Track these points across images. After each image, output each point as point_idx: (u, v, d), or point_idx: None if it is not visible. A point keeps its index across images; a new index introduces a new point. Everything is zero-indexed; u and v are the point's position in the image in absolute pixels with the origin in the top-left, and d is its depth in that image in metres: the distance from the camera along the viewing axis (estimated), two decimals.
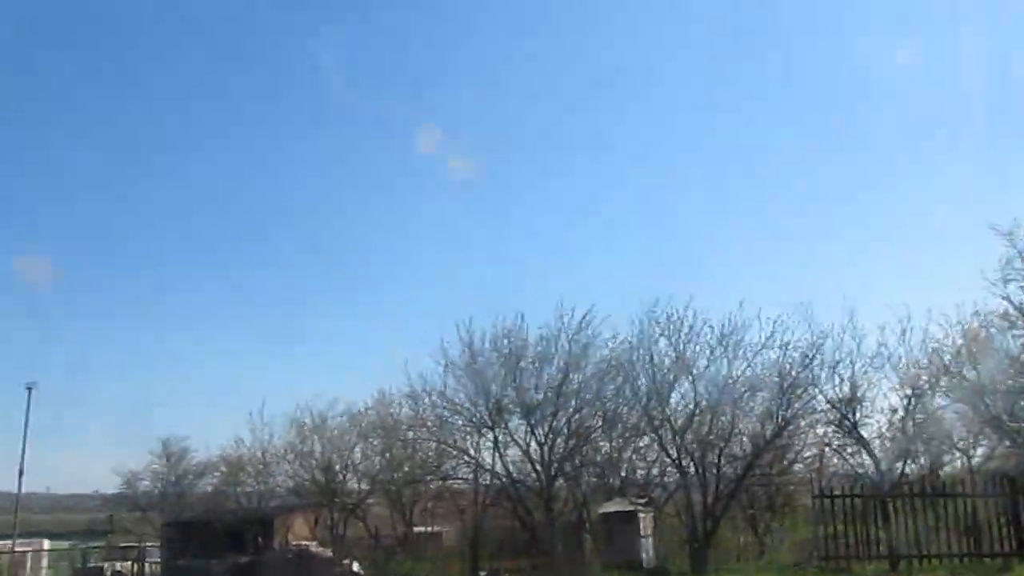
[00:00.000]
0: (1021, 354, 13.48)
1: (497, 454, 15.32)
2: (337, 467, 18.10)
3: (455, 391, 15.44)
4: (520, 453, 15.60)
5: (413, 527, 18.13)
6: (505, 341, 15.26)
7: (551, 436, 15.22)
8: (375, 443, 18.29)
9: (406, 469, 17.05)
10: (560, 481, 15.76)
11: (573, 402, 15.19)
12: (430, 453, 16.77)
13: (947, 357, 14.00)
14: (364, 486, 18.33)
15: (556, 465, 15.28)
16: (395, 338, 41.82)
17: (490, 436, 15.38)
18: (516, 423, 15.60)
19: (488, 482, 15.71)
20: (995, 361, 13.81)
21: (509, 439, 15.47)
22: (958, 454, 15.67)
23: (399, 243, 49.85)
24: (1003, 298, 12.72)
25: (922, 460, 15.37)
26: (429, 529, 18.02)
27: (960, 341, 13.80)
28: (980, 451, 15.21)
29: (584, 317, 15.19)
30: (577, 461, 15.68)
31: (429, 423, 15.88)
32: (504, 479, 15.28)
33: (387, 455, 17.67)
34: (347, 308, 49.80)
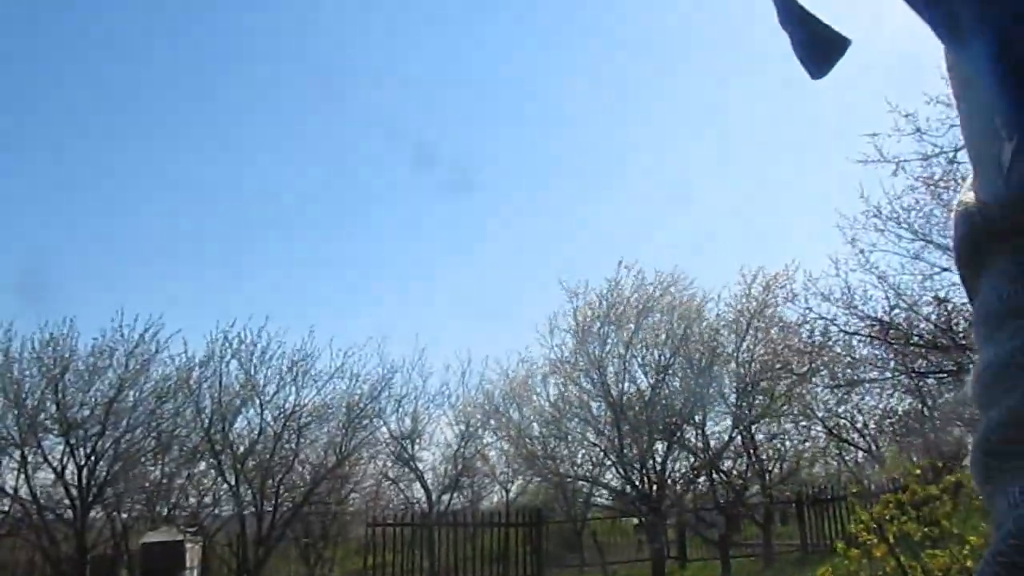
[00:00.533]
0: (556, 399, 23.56)
1: (23, 476, 19.96)
2: None
3: None
4: (53, 476, 20.51)
5: None
6: (50, 349, 19.97)
7: (93, 458, 20.51)
8: None
9: None
10: (98, 509, 21.15)
11: (125, 421, 20.73)
12: None
13: (497, 398, 23.58)
14: None
15: (96, 490, 20.62)
16: None
17: (16, 456, 19.91)
18: (52, 442, 20.50)
19: (7, 509, 20.26)
20: (535, 405, 23.81)
21: (41, 460, 20.26)
22: (498, 487, 25.98)
23: None
24: (548, 349, 22.24)
25: (467, 492, 25.20)
26: None
27: (509, 386, 23.43)
28: (516, 485, 25.62)
29: (147, 330, 20.87)
30: (121, 486, 21.28)
31: None
32: (29, 505, 20.05)
33: None
34: None
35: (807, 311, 17.35)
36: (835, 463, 22.92)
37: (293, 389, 22.02)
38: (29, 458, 20.19)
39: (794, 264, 18.00)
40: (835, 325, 17.48)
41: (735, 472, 20.99)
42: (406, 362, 23.08)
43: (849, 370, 18.09)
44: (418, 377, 23.62)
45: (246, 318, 22.27)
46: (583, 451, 19.50)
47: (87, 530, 20.86)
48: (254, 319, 22.14)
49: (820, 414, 20.19)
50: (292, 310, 51.39)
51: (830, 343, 17.63)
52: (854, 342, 17.38)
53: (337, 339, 26.11)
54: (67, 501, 20.84)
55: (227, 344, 21.55)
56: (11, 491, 20.30)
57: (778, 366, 18.01)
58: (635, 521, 24.82)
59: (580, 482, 21.40)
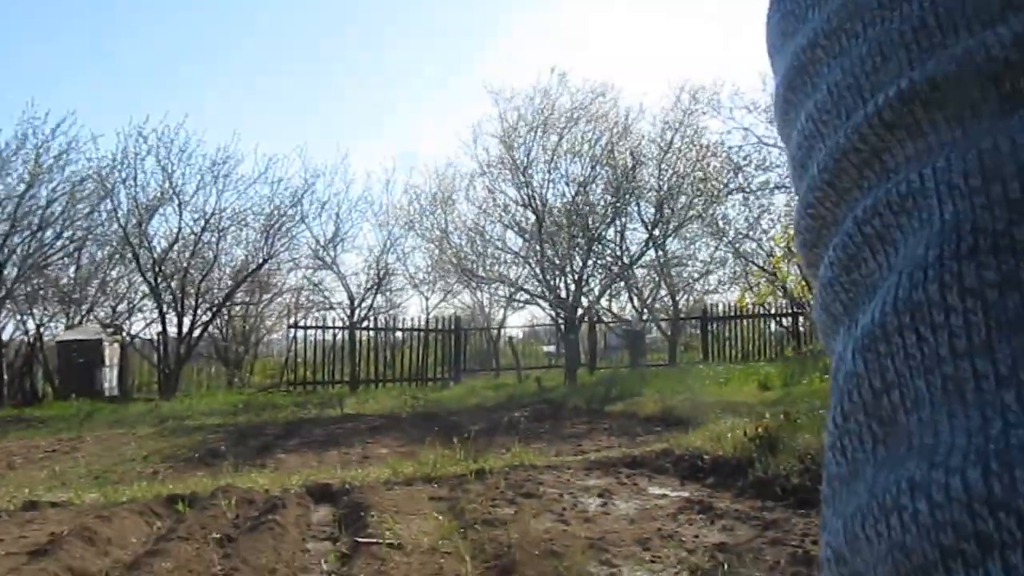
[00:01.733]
0: (482, 204, 23.50)
1: None
2: None
3: None
4: None
5: None
6: None
7: (4, 254, 19.99)
8: None
9: None
10: (11, 305, 20.85)
11: (37, 220, 20.11)
12: None
13: (423, 202, 23.61)
14: None
15: (8, 287, 20.25)
16: None
17: None
18: None
19: None
20: (458, 212, 23.93)
21: None
22: (419, 297, 26.50)
23: None
24: (472, 156, 22.25)
25: (387, 299, 25.71)
26: None
27: (435, 189, 23.42)
28: (436, 294, 26.20)
29: (59, 125, 19.94)
30: (36, 283, 20.93)
31: None
32: None
33: None
34: None
35: (729, 119, 17.80)
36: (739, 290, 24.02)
37: (214, 191, 21.64)
38: None
39: (721, 81, 18.23)
40: (754, 135, 18.01)
41: (647, 287, 21.93)
42: (329, 168, 22.82)
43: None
44: (341, 183, 23.39)
45: (162, 114, 21.35)
46: (506, 257, 19.93)
47: (1, 328, 20.66)
48: (171, 115, 21.32)
49: (730, 235, 21.00)
50: (217, 115, 50.68)
51: (748, 157, 18.23)
52: (772, 154, 18.00)
53: (262, 145, 25.71)
54: None
55: (142, 140, 20.84)
56: None
57: (698, 179, 18.48)
58: (546, 348, 25.94)
59: (498, 289, 22.00)
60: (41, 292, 21.72)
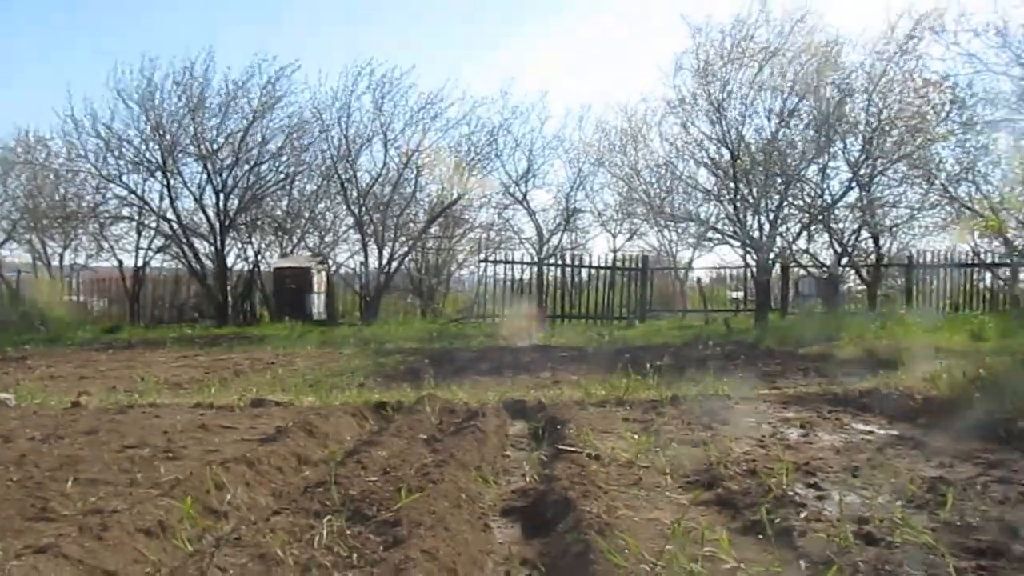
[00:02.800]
0: (676, 139, 22.88)
1: (169, 199, 21.40)
2: None
3: (126, 125, 20.75)
4: (193, 202, 21.93)
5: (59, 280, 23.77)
6: (189, 75, 20.63)
7: (228, 186, 21.70)
8: (16, 184, 22.84)
9: (57, 204, 22.20)
10: (234, 234, 22.66)
11: (256, 153, 21.64)
12: (88, 191, 22.13)
13: (613, 138, 23.32)
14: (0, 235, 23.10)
15: (231, 217, 21.99)
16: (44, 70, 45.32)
17: (160, 179, 21.24)
18: (191, 170, 21.72)
19: (156, 226, 21.94)
20: (650, 148, 23.48)
21: (182, 185, 21.59)
22: (606, 235, 26.36)
23: None
24: (673, 87, 21.41)
25: (576, 236, 25.76)
26: (75, 298, 23.66)
27: (625, 124, 23.03)
28: (624, 230, 25.93)
29: (283, 68, 21.27)
30: (255, 213, 22.60)
31: (91, 155, 21.03)
32: (175, 225, 21.63)
33: (32, 200, 22.50)
34: None
35: (953, 44, 16.21)
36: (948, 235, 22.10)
37: (419, 130, 22.36)
38: (172, 182, 21.46)
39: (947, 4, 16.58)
40: (980, 60, 16.34)
41: (847, 230, 20.64)
42: (527, 107, 22.97)
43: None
44: (536, 120, 23.61)
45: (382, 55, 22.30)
46: (697, 195, 19.37)
47: (226, 252, 22.52)
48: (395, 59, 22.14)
49: (942, 178, 19.28)
50: (428, 56, 52.74)
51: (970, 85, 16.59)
52: (1001, 83, 16.28)
53: (470, 85, 26.16)
54: (206, 225, 22.36)
55: (361, 79, 21.87)
56: (157, 211, 21.80)
57: (912, 114, 17.03)
58: (733, 294, 25.09)
59: (688, 228, 21.48)
60: (259, 222, 23.44)
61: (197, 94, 20.94)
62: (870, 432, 5.99)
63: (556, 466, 4.67)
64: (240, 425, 6.36)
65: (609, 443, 5.43)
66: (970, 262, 21.41)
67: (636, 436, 5.65)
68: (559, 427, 5.96)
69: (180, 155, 21.34)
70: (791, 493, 4.02)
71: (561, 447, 5.22)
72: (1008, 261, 20.72)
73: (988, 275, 21.79)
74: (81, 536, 3.13)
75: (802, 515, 3.61)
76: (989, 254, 21.35)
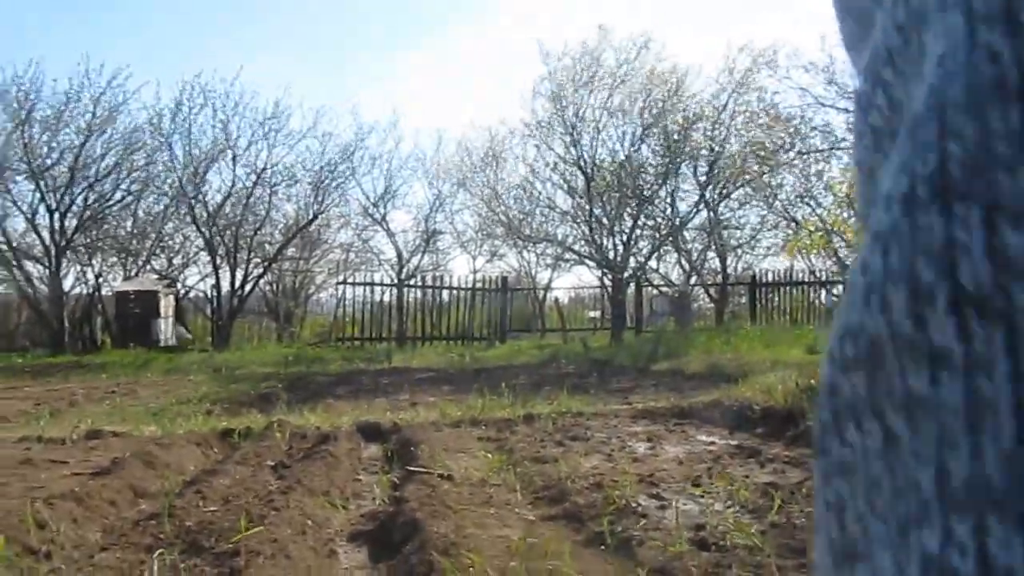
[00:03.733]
0: (533, 162, 23.28)
1: None
2: None
3: None
4: (25, 222, 20.57)
5: None
6: (15, 89, 19.36)
7: (64, 205, 20.47)
8: None
9: None
10: (72, 256, 21.38)
11: (94, 171, 20.53)
12: None
13: (474, 159, 23.58)
14: None
15: (69, 238, 20.75)
16: None
17: None
18: (22, 188, 20.36)
19: None
20: (508, 170, 23.86)
21: (12, 204, 20.20)
22: (467, 257, 26.57)
23: None
24: (531, 111, 21.80)
25: (435, 258, 25.84)
26: None
27: (487, 147, 23.34)
28: (484, 251, 26.24)
29: (115, 76, 20.24)
30: (95, 233, 21.42)
31: None
32: (3, 247, 20.19)
33: None
34: None
35: (785, 78, 17.40)
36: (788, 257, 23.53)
37: (265, 145, 21.87)
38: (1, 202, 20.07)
39: (781, 43, 17.82)
40: (810, 94, 17.60)
41: (695, 250, 21.69)
42: (379, 125, 22.94)
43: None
44: (392, 140, 23.63)
45: (212, 69, 21.61)
46: (554, 216, 19.84)
47: (63, 276, 21.21)
48: (226, 69, 21.60)
49: (782, 201, 20.55)
50: (265, 66, 51.66)
51: (804, 118, 17.86)
52: (830, 115, 17.59)
53: (309, 99, 26.14)
54: (40, 248, 21.01)
55: (198, 92, 21.12)
56: None
57: (753, 148, 18.14)
58: (591, 314, 25.84)
59: (546, 249, 21.94)
60: (100, 244, 22.22)
61: (25, 107, 19.68)
62: (712, 443, 6.27)
63: (407, 488, 4.64)
64: (72, 459, 5.98)
65: (463, 463, 5.45)
66: (807, 280, 22.89)
67: (489, 455, 5.70)
68: (412, 448, 5.93)
69: (8, 172, 19.97)
70: (634, 504, 4.16)
71: (412, 468, 5.19)
72: (840, 279, 22.27)
73: (823, 292, 23.37)
74: None
75: (642, 525, 3.74)
76: (824, 272, 22.88)
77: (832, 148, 17.48)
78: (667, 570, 3.03)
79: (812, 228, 18.17)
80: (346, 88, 56.03)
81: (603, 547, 3.50)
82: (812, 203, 19.89)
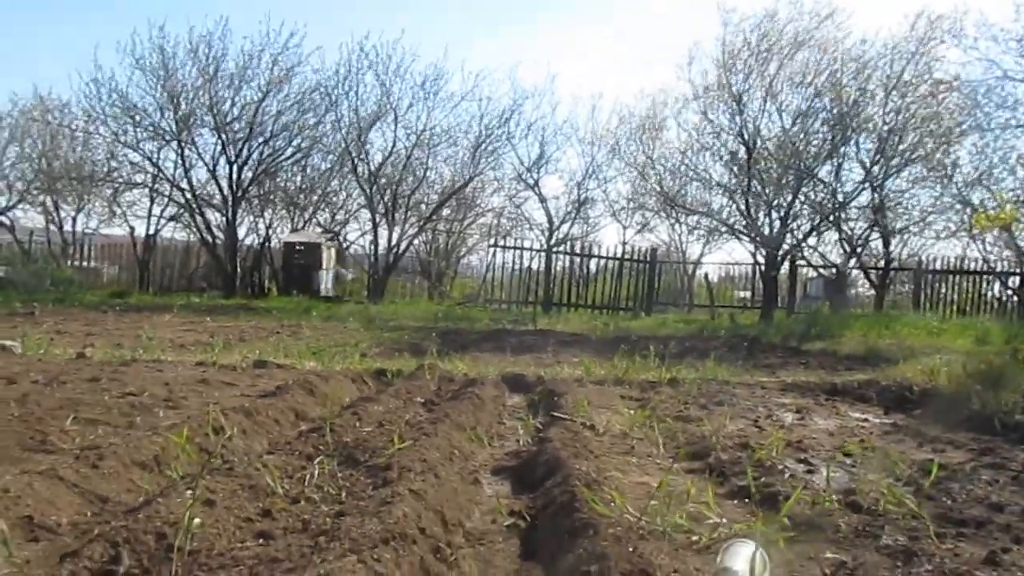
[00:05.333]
0: (694, 130, 22.78)
1: (183, 168, 21.49)
2: None
3: (142, 94, 20.82)
4: (207, 173, 22.02)
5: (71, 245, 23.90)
6: (203, 47, 20.67)
7: (241, 158, 21.76)
8: (32, 146, 22.96)
9: (72, 166, 22.30)
10: (246, 207, 22.76)
11: (270, 126, 21.70)
12: (102, 156, 22.24)
13: (631, 125, 23.30)
14: (14, 195, 23.23)
15: (244, 190, 22.08)
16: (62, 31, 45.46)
17: (175, 148, 21.33)
18: (205, 141, 21.79)
19: (169, 195, 22.04)
20: (665, 139, 23.46)
21: (196, 156, 21.67)
22: (617, 225, 26.38)
23: None
24: (691, 78, 21.36)
25: (585, 226, 25.79)
26: (86, 263, 23.80)
27: (643, 113, 22.99)
28: (635, 221, 25.96)
29: (291, 35, 21.25)
30: (267, 187, 22.68)
31: (109, 121, 21.09)
32: (187, 195, 21.73)
33: (46, 160, 22.62)
34: None
35: (971, 48, 16.15)
36: (960, 242, 21.92)
37: (425, 108, 22.42)
38: (186, 152, 21.55)
39: (964, 8, 16.55)
40: (999, 67, 16.26)
41: (858, 230, 20.57)
42: (536, 90, 23.02)
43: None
44: (548, 106, 23.82)
45: (379, 31, 22.35)
46: (711, 188, 19.31)
47: (237, 224, 22.62)
48: (388, 31, 22.24)
49: (956, 183, 19.14)
50: (424, 27, 52.87)
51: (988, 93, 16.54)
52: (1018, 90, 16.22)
53: (468, 63, 26.76)
54: (219, 196, 22.44)
55: (363, 56, 21.90)
56: (171, 179, 21.90)
57: (928, 116, 16.95)
58: (741, 294, 25.10)
59: (699, 222, 21.46)
60: (271, 196, 23.52)
61: (213, 64, 20.97)
62: (865, 420, 6.00)
63: (550, 431, 4.70)
64: (241, 383, 6.42)
65: (605, 416, 5.46)
66: (980, 270, 21.33)
67: (632, 412, 5.69)
68: (556, 399, 5.99)
69: (195, 125, 21.39)
70: (780, 466, 4.05)
71: (556, 415, 5.25)
72: (1018, 270, 20.64)
73: (997, 284, 21.72)
74: (77, 464, 3.18)
75: (789, 483, 3.63)
76: (999, 263, 21.29)
77: (1021, 126, 16.11)
78: (815, 524, 2.94)
79: (1005, 199, 16.79)
80: (506, 51, 56.51)
81: (747, 500, 3.44)
82: (992, 185, 18.45)
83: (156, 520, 2.56)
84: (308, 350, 9.61)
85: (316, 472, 3.31)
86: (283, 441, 4.22)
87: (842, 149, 17.93)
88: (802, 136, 17.65)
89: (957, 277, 21.40)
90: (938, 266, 21.48)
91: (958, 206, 19.39)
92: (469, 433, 4.58)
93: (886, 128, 17.55)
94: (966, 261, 21.66)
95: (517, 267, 22.56)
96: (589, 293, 23.31)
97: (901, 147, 17.65)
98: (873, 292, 22.35)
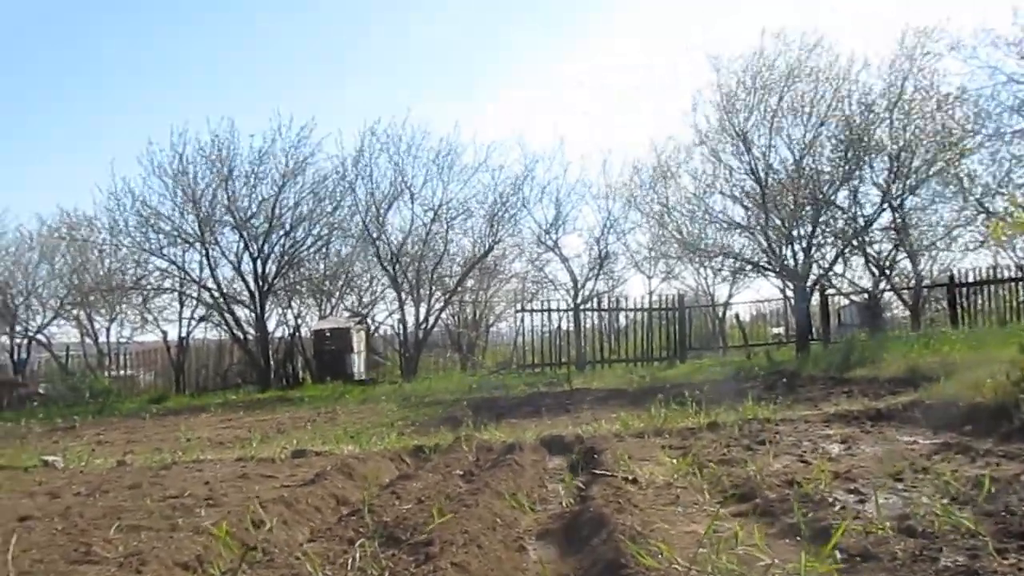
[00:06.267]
0: (704, 175, 22.77)
1: (208, 268, 21.87)
2: (14, 290, 23.06)
3: (161, 200, 21.33)
4: (232, 270, 22.37)
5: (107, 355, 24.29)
6: (216, 149, 21.22)
7: (264, 253, 22.13)
8: (62, 263, 23.55)
9: (102, 279, 22.77)
10: (273, 299, 23.04)
11: (288, 218, 22.10)
12: (130, 266, 22.69)
13: (643, 176, 23.40)
14: (48, 312, 23.74)
15: (270, 283, 22.39)
16: (80, 147, 47.45)
17: (199, 250, 21.74)
18: (228, 240, 22.20)
19: (197, 295, 22.39)
20: (678, 185, 23.52)
21: (220, 255, 22.06)
22: (640, 276, 26.34)
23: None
24: (695, 123, 21.42)
25: (609, 281, 25.77)
26: (123, 372, 24.15)
27: (655, 161, 23.07)
28: (658, 271, 25.91)
29: (302, 129, 21.76)
30: (292, 277, 22.98)
31: (132, 231, 21.60)
32: (215, 294, 22.06)
33: (77, 275, 23.15)
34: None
35: (972, 58, 16.17)
36: (990, 252, 21.56)
37: (440, 183, 22.75)
38: (210, 252, 21.95)
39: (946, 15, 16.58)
40: (1003, 73, 16.23)
41: (884, 251, 20.34)
42: (546, 154, 23.32)
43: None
44: (559, 167, 24.08)
45: (391, 114, 22.88)
46: (729, 228, 19.22)
47: (266, 317, 22.86)
48: (397, 114, 22.78)
49: (977, 192, 18.96)
50: (432, 105, 54.23)
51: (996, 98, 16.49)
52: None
53: (479, 134, 27.54)
54: (246, 293, 22.74)
55: (375, 139, 22.37)
56: (198, 281, 22.26)
57: (936, 131, 16.89)
58: (774, 330, 24.86)
59: (723, 263, 21.33)
60: (297, 286, 23.81)
61: (227, 164, 21.46)
62: (914, 442, 5.86)
63: (592, 489, 4.63)
64: (280, 474, 6.41)
65: (647, 468, 5.38)
66: (1015, 277, 20.96)
67: (674, 461, 5.60)
68: (596, 456, 5.93)
69: (216, 225, 21.81)
70: (830, 499, 3.95)
71: (597, 472, 5.18)
72: None
73: None
74: (121, 572, 3.18)
75: (840, 515, 3.54)
76: None
77: None
78: (869, 553, 2.86)
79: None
80: (508, 119, 57.68)
81: (797, 538, 3.35)
82: (1014, 190, 18.21)
83: None
84: (345, 434, 9.61)
85: (358, 555, 3.27)
86: (324, 527, 4.19)
87: (856, 173, 17.85)
88: (813, 165, 17.63)
89: (992, 287, 21.02)
90: (971, 278, 21.13)
91: (981, 216, 19.18)
92: (510, 500, 4.52)
93: (896, 147, 17.49)
94: (999, 270, 21.31)
95: (547, 329, 22.51)
96: (621, 347, 23.17)
97: (914, 164, 17.56)
98: (908, 313, 22.00)
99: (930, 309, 23.10)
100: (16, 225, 25.01)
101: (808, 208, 17.52)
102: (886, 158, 17.79)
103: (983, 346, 12.97)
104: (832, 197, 17.96)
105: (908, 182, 17.97)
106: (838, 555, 2.80)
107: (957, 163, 17.58)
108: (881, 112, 17.41)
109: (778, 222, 17.47)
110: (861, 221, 18.26)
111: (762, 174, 17.72)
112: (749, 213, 18.35)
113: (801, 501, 3.78)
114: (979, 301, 21.24)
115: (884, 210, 18.52)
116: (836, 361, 13.84)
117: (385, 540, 3.61)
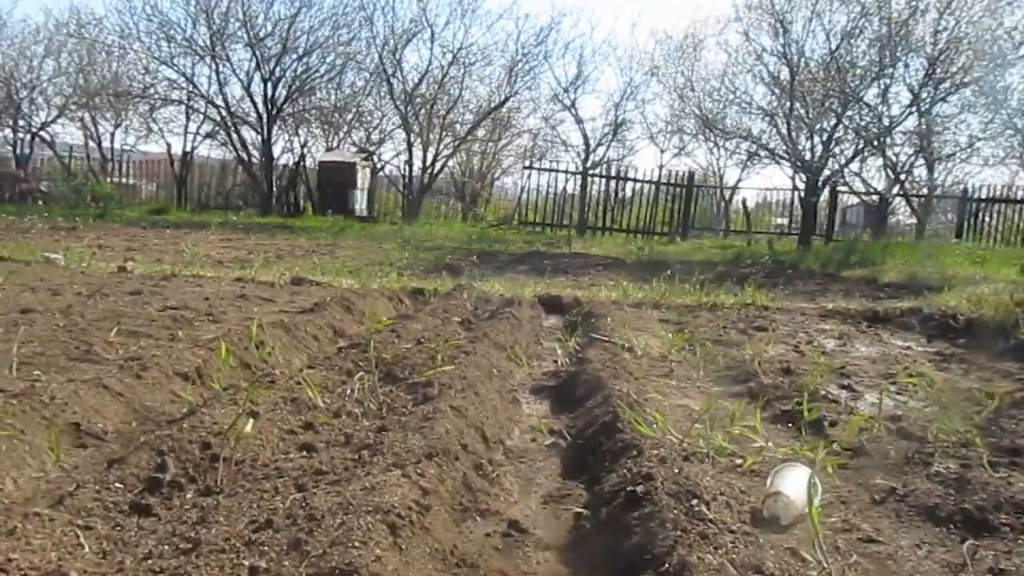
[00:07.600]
0: (735, 51, 22.03)
1: (218, 84, 21.34)
2: (19, 84, 22.46)
3: (172, 6, 20.56)
4: (241, 90, 21.85)
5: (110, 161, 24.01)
6: None
7: (275, 75, 21.54)
8: (68, 60, 22.86)
9: (108, 82, 22.23)
10: (280, 125, 22.62)
11: (303, 43, 21.39)
12: (138, 72, 22.13)
13: (669, 46, 22.70)
14: (53, 110, 23.22)
15: (279, 107, 21.91)
16: None
17: (209, 64, 21.16)
18: (239, 57, 21.55)
19: (205, 112, 21.96)
20: (705, 60, 22.86)
21: (231, 72, 21.48)
22: (654, 148, 25.91)
23: None
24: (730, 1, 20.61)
25: (620, 148, 25.36)
26: (125, 180, 23.87)
27: (684, 31, 22.39)
28: (672, 145, 25.48)
29: None
30: (302, 104, 22.49)
31: (143, 36, 20.93)
32: (223, 112, 21.63)
33: (83, 75, 22.53)
34: None
35: None
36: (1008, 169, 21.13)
37: (462, 25, 21.96)
38: (221, 68, 21.35)
39: None
40: None
41: (903, 155, 19.94)
42: (574, 7, 22.37)
43: None
44: (587, 23, 23.18)
45: None
46: (751, 111, 18.74)
47: (272, 142, 22.53)
48: None
49: (1012, 106, 18.40)
50: None
51: None
52: None
53: None
54: (254, 114, 22.28)
55: None
56: (206, 96, 21.78)
57: (983, 43, 16.20)
58: (778, 220, 24.64)
59: (739, 146, 20.95)
60: (306, 114, 23.33)
61: None
62: (908, 348, 5.89)
63: (588, 352, 4.66)
64: (279, 299, 6.43)
65: (643, 339, 5.40)
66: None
67: (670, 335, 5.62)
68: (593, 320, 5.94)
69: (228, 40, 21.13)
70: (824, 392, 3.98)
71: (594, 336, 5.21)
72: None
73: None
74: (121, 374, 3.19)
75: (834, 409, 3.57)
76: None
77: None
78: (863, 450, 2.88)
79: None
80: None
81: (791, 424, 3.38)
82: None
83: (201, 430, 2.56)
84: (345, 268, 9.63)
85: (356, 387, 3.30)
86: (322, 357, 4.23)
87: (889, 71, 17.23)
88: (847, 57, 16.96)
89: (1003, 206, 20.80)
90: (984, 194, 20.88)
91: (1008, 132, 18.74)
92: (507, 352, 4.55)
93: (937, 50, 16.81)
94: (1014, 190, 21.03)
95: (552, 190, 22.29)
96: (624, 217, 23.04)
97: (952, 69, 16.93)
98: (915, 220, 21.84)
99: (936, 220, 22.93)
100: (22, 15, 24.17)
101: (835, 101, 17.01)
102: (924, 60, 17.13)
103: (985, 263, 12.97)
104: (861, 93, 17.40)
105: (942, 87, 17.39)
106: (834, 446, 2.82)
107: (999, 73, 16.97)
108: (929, 10, 16.60)
109: (802, 111, 17.00)
110: (886, 121, 17.77)
111: (795, 58, 17.09)
112: (774, 98, 17.84)
113: (796, 391, 3.80)
114: (988, 218, 21.06)
115: (911, 113, 18.00)
116: (837, 258, 13.83)
117: (384, 376, 3.64)
